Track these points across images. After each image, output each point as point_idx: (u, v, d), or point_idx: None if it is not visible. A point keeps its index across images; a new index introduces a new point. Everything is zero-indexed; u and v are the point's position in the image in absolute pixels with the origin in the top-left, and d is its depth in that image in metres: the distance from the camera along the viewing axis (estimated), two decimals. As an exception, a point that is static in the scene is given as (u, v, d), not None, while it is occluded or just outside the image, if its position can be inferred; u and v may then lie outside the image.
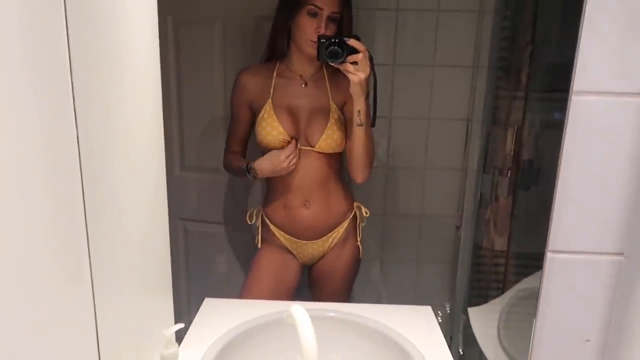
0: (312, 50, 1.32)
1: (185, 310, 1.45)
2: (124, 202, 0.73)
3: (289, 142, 1.39)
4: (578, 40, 0.55)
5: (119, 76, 0.71)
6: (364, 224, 1.55)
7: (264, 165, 1.39)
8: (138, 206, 0.78)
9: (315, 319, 0.80)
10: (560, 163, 0.58)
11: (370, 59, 1.26)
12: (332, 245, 1.50)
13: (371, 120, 1.35)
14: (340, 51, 1.24)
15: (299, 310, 0.78)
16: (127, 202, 0.74)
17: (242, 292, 1.51)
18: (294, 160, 1.39)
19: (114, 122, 0.70)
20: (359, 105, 1.29)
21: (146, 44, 0.81)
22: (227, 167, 1.51)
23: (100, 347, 0.63)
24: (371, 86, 1.32)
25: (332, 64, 1.26)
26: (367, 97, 1.31)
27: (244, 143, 1.48)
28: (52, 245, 0.56)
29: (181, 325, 0.79)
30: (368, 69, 1.25)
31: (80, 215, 0.59)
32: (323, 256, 1.52)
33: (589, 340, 0.62)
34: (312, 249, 1.49)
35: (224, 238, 1.90)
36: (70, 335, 0.60)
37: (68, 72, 0.55)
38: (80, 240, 0.59)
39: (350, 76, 1.24)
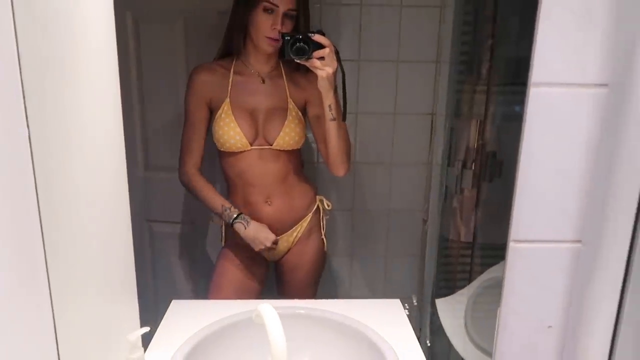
0: (268, 47, 1.32)
1: (153, 312, 1.42)
2: (82, 205, 0.70)
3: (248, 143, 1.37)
4: (535, 32, 0.56)
5: (72, 73, 0.69)
6: (327, 217, 1.55)
7: (256, 230, 1.39)
8: (97, 208, 0.76)
9: (284, 316, 0.80)
10: (520, 154, 0.59)
11: (337, 53, 1.26)
12: (297, 239, 1.50)
13: (342, 114, 1.35)
14: (306, 47, 1.23)
15: (267, 309, 0.78)
16: (86, 205, 0.71)
17: (209, 292, 1.49)
18: (273, 247, 1.41)
19: (70, 122, 0.67)
20: (328, 100, 1.29)
21: (102, 40, 0.79)
22: (191, 188, 1.44)
23: (60, 354, 0.61)
24: (340, 80, 1.32)
25: (298, 61, 1.25)
26: (335, 91, 1.31)
27: (202, 152, 1.42)
28: (3, 250, 0.53)
29: (146, 329, 0.77)
30: (335, 64, 1.25)
31: (35, 218, 0.56)
32: (288, 251, 1.51)
33: (551, 327, 0.64)
34: (278, 245, 1.48)
35: (191, 238, 1.87)
36: (27, 342, 0.58)
37: (17, 71, 0.53)
38: (35, 245, 0.57)
39: (318, 72, 1.23)
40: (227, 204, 1.41)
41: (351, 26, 1.78)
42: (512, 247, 0.62)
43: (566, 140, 0.59)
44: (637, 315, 0.55)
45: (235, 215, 1.39)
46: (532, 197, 0.60)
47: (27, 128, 0.54)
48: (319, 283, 1.59)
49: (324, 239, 1.53)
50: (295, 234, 1.49)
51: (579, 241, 0.60)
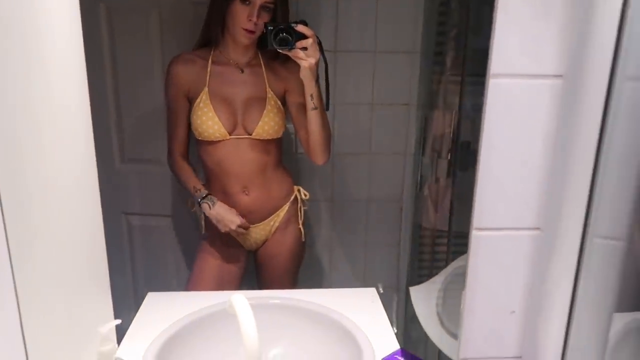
0: (244, 39, 1.32)
1: (133, 306, 1.42)
2: (48, 197, 0.70)
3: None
4: (493, 24, 0.57)
5: (37, 65, 0.68)
6: (305, 207, 1.56)
7: (221, 212, 1.41)
8: (65, 203, 0.75)
9: (258, 306, 0.80)
10: (481, 145, 0.61)
11: (319, 44, 1.27)
12: (274, 229, 1.51)
13: (325, 103, 1.36)
14: (290, 38, 1.23)
15: (239, 300, 0.78)
16: (52, 199, 0.71)
17: (188, 284, 1.50)
18: (241, 231, 1.43)
19: (35, 114, 0.67)
20: (310, 89, 1.30)
21: (67, 29, 0.78)
22: (176, 173, 1.48)
23: (27, 348, 0.61)
24: (322, 70, 1.33)
25: (281, 52, 1.25)
26: (317, 81, 1.31)
27: (186, 139, 1.45)
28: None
29: (118, 322, 0.77)
30: (318, 54, 1.26)
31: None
32: (266, 241, 1.52)
33: (514, 312, 0.66)
34: (255, 232, 1.49)
35: (170, 231, 1.86)
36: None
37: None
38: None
39: (301, 62, 1.24)
40: (199, 186, 1.43)
41: (328, 17, 1.77)
42: (475, 234, 0.63)
43: (525, 130, 0.60)
44: (589, 299, 0.57)
45: (203, 195, 1.41)
46: (493, 186, 0.62)
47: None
48: (298, 273, 1.60)
49: (302, 229, 1.54)
50: (272, 223, 1.50)
51: (538, 228, 0.62)
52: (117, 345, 0.76)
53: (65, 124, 0.77)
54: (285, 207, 1.51)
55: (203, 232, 1.51)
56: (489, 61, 0.58)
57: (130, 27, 1.68)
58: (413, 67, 1.80)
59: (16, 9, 0.62)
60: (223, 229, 1.43)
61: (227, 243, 1.48)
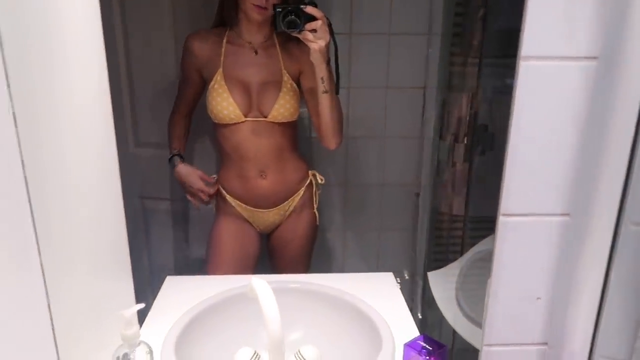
0: (256, 16, 1.31)
1: (149, 289, 1.44)
2: (71, 181, 0.70)
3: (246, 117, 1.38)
4: (525, 5, 0.55)
5: (57, 48, 0.67)
6: (319, 191, 1.56)
7: (182, 172, 1.46)
8: (87, 185, 0.76)
9: (277, 291, 0.80)
10: (510, 129, 0.59)
11: (329, 25, 1.24)
12: (289, 213, 1.51)
13: (335, 86, 1.35)
14: (298, 20, 1.21)
15: (260, 283, 0.78)
16: (75, 182, 0.71)
17: (207, 265, 1.51)
18: (204, 199, 1.46)
19: (56, 98, 0.67)
20: (321, 72, 1.28)
21: (87, 12, 0.77)
22: (168, 129, 1.53)
23: (55, 330, 0.61)
24: (332, 52, 1.31)
25: (291, 34, 1.24)
26: (328, 64, 1.30)
27: (192, 104, 1.49)
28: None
29: (141, 306, 0.77)
30: (328, 36, 1.24)
31: (24, 197, 0.56)
32: (280, 225, 1.53)
33: (540, 298, 0.65)
34: (269, 217, 1.50)
35: (184, 214, 1.87)
36: (22, 319, 0.59)
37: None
38: (25, 223, 0.57)
39: (310, 44, 1.22)
40: (175, 145, 1.49)
41: (343, -1, 1.75)
42: (502, 220, 0.62)
43: (556, 113, 0.58)
44: (622, 287, 0.56)
45: (170, 156, 1.49)
46: (522, 171, 0.61)
47: (11, 106, 0.54)
48: (311, 257, 1.61)
49: (316, 213, 1.54)
50: (287, 207, 1.50)
51: (567, 214, 0.61)
52: (140, 328, 0.76)
53: (87, 109, 0.76)
54: (301, 192, 1.51)
55: (215, 211, 1.53)
56: (520, 43, 0.56)
57: (143, 10, 1.67)
58: (429, 49, 1.77)
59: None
60: (187, 192, 1.47)
61: (240, 224, 1.49)
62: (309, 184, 1.52)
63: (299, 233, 1.53)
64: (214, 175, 1.50)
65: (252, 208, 1.48)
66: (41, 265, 0.57)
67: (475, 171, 1.40)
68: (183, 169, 1.46)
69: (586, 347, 0.60)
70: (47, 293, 0.59)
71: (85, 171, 0.75)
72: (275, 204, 1.48)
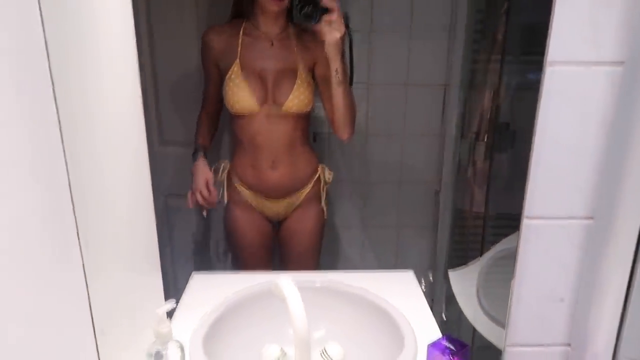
0: (272, 7, 1.33)
1: (172, 285, 1.47)
2: (108, 182, 0.73)
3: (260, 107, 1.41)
4: (552, 10, 0.56)
5: (95, 53, 0.70)
6: (328, 185, 1.58)
7: (197, 167, 1.48)
8: (122, 183, 0.78)
9: (300, 288, 0.82)
10: (535, 132, 0.60)
11: (345, 18, 1.27)
12: (295, 206, 1.54)
13: (349, 78, 1.37)
14: (314, 12, 1.23)
15: (286, 282, 0.80)
16: (111, 180, 0.74)
17: (230, 255, 1.58)
18: (208, 198, 1.45)
19: (93, 100, 0.69)
20: (335, 64, 1.31)
21: (120, 16, 0.79)
22: (196, 126, 1.55)
23: (95, 324, 0.64)
24: (347, 45, 1.33)
25: (307, 25, 1.26)
26: (343, 56, 1.32)
27: (215, 100, 1.50)
28: (39, 225, 0.56)
29: (173, 304, 0.80)
30: (343, 28, 1.26)
31: (67, 199, 0.59)
32: (289, 216, 1.56)
33: (563, 300, 0.66)
34: (277, 207, 1.53)
35: (207, 211, 1.90)
36: (64, 316, 0.61)
37: (45, 54, 0.54)
38: (67, 219, 0.59)
39: (326, 36, 1.25)
40: (200, 142, 1.51)
41: (364, -4, 1.75)
42: (526, 223, 0.63)
43: (581, 117, 0.59)
44: (647, 290, 0.56)
45: (194, 150, 1.51)
46: (546, 174, 0.61)
47: (56, 111, 0.56)
48: (320, 251, 1.63)
49: (324, 208, 1.56)
50: (296, 199, 1.53)
51: (591, 217, 0.61)
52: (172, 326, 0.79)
53: (121, 113, 0.79)
54: (309, 186, 1.53)
55: (225, 200, 1.56)
56: (546, 48, 0.57)
57: (168, 9, 1.70)
58: (449, 46, 1.77)
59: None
60: (193, 185, 1.48)
61: (251, 210, 1.53)
62: (318, 178, 1.54)
63: (307, 226, 1.56)
64: (219, 199, 1.51)
65: (261, 198, 1.51)
66: (82, 264, 0.60)
67: (496, 169, 1.39)
68: (200, 164, 1.48)
69: (610, 349, 0.61)
70: (87, 291, 0.62)
71: (120, 173, 0.78)
72: (284, 195, 1.51)
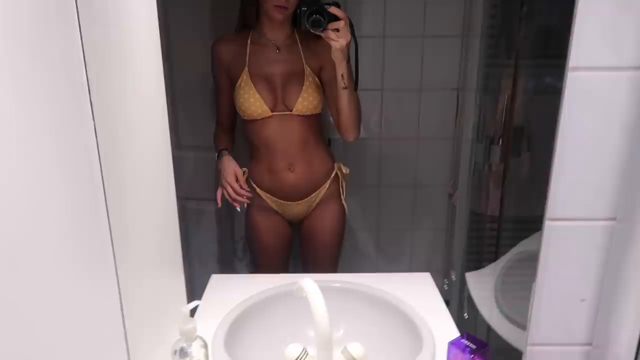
0: (278, 15, 1.37)
1: (188, 287, 1.50)
2: (140, 185, 0.75)
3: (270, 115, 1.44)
4: (573, 17, 0.57)
5: (128, 61, 0.72)
6: (345, 182, 1.59)
7: (224, 162, 1.50)
8: (152, 188, 0.81)
9: (320, 289, 0.83)
10: (557, 136, 0.61)
11: (351, 26, 1.30)
12: (315, 205, 1.56)
13: (354, 83, 1.41)
14: (322, 19, 1.27)
15: (309, 283, 0.82)
16: (143, 185, 0.76)
17: (251, 256, 1.62)
18: (236, 197, 1.48)
19: (128, 108, 0.72)
20: (341, 69, 1.35)
21: (146, 30, 0.82)
22: (214, 143, 1.58)
23: (125, 322, 0.66)
24: (352, 51, 1.36)
25: (314, 32, 1.29)
26: (348, 61, 1.36)
27: (230, 112, 1.53)
28: (77, 228, 0.58)
29: (198, 302, 0.82)
30: (349, 36, 1.29)
31: (101, 199, 0.61)
32: (309, 215, 1.58)
33: (584, 300, 0.67)
34: (297, 208, 1.56)
35: (223, 215, 1.93)
36: (98, 309, 0.63)
37: (83, 67, 0.57)
38: (101, 223, 0.62)
39: (332, 43, 1.29)
40: (221, 146, 1.53)
41: (375, 2, 1.77)
42: (548, 225, 0.64)
43: (603, 122, 0.60)
44: (670, 290, 0.57)
45: (218, 150, 1.53)
46: (568, 177, 0.62)
47: (92, 120, 0.59)
48: (340, 250, 1.65)
49: (344, 204, 1.58)
50: (315, 199, 1.55)
51: (613, 219, 0.63)
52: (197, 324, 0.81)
53: (148, 118, 0.81)
54: (327, 185, 1.55)
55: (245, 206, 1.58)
56: (568, 54, 0.58)
57: (184, 14, 1.73)
58: (462, 51, 1.78)
59: (110, 9, 0.66)
60: (222, 181, 1.50)
61: (271, 214, 1.55)
62: (335, 176, 1.57)
63: (327, 224, 1.58)
64: (248, 191, 1.52)
65: (281, 200, 1.53)
66: (115, 268, 0.62)
67: (511, 172, 1.40)
68: (226, 160, 1.50)
69: (632, 349, 0.61)
70: (119, 293, 0.64)
71: (150, 178, 0.80)
72: (303, 196, 1.54)
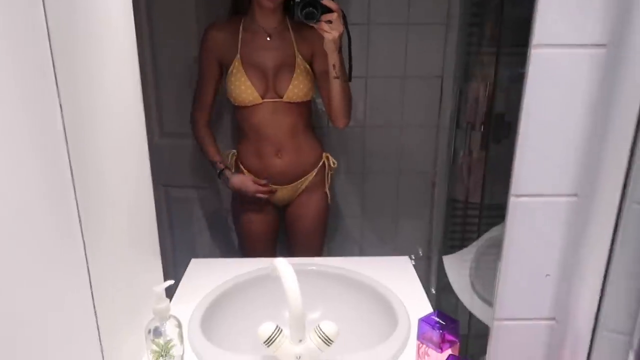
0: (267, 3, 1.38)
1: (172, 272, 1.50)
2: (108, 167, 0.75)
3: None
4: (536, -6, 0.58)
5: (97, 44, 0.72)
6: (332, 172, 1.61)
7: (236, 184, 1.52)
8: (123, 170, 0.81)
9: (298, 272, 0.84)
10: (521, 113, 0.62)
11: (344, 17, 1.31)
12: (300, 191, 1.58)
13: (347, 74, 1.43)
14: (315, 11, 1.28)
15: (283, 263, 0.83)
16: (112, 167, 0.76)
17: (239, 242, 1.64)
18: (262, 196, 1.51)
19: (95, 88, 0.72)
20: (333, 59, 1.36)
21: (120, 13, 0.82)
22: (199, 141, 1.58)
23: (95, 299, 0.67)
24: (345, 42, 1.37)
25: (308, 24, 1.30)
26: (340, 51, 1.37)
27: (210, 108, 1.54)
28: (43, 206, 0.58)
29: (171, 282, 0.83)
30: (342, 27, 1.30)
31: (68, 178, 0.61)
32: (293, 201, 1.60)
33: (549, 275, 0.68)
34: (283, 193, 1.58)
35: (206, 201, 1.93)
36: (67, 289, 0.64)
37: (47, 43, 0.57)
38: (69, 202, 0.62)
39: (325, 34, 1.30)
40: (218, 159, 1.54)
41: (360, -11, 1.77)
42: (513, 201, 0.65)
43: (565, 99, 0.61)
44: (625, 263, 0.59)
45: (219, 171, 1.54)
46: (532, 154, 0.63)
47: (58, 97, 0.59)
48: (324, 237, 1.68)
49: (328, 193, 1.60)
50: (299, 186, 1.58)
51: (575, 195, 0.64)
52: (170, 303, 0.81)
53: (121, 101, 0.81)
54: (314, 172, 1.57)
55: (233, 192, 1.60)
56: (531, 32, 0.59)
57: (168, 1, 1.72)
58: (446, 38, 1.79)
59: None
60: (250, 195, 1.52)
61: (256, 200, 1.56)
62: (322, 165, 1.59)
63: (311, 211, 1.60)
64: (265, 180, 1.54)
65: None
66: (84, 246, 0.63)
67: (491, 159, 1.42)
68: (236, 180, 1.53)
69: (591, 322, 0.63)
70: (88, 271, 0.64)
71: (120, 160, 0.80)
72: (289, 181, 1.56)
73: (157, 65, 1.77)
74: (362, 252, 2.06)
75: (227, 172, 1.53)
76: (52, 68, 0.58)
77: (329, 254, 1.91)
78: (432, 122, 1.88)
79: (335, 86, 1.41)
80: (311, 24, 1.29)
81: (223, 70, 1.49)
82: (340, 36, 1.31)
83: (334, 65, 1.37)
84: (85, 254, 0.64)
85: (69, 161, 0.61)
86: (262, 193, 1.52)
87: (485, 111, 1.46)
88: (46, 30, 0.56)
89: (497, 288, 0.69)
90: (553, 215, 0.65)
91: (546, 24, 0.59)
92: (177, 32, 1.74)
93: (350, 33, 1.37)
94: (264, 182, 1.52)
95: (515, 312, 0.70)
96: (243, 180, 1.52)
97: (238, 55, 1.43)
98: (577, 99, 0.61)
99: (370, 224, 2.04)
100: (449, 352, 0.75)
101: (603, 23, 0.58)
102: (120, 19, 0.82)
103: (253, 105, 1.45)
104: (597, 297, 0.62)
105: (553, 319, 0.69)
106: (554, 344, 0.69)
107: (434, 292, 1.05)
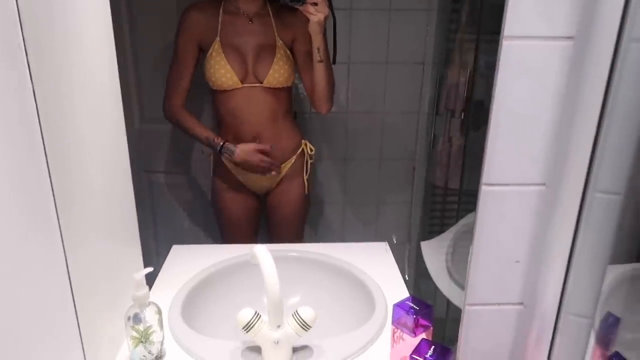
0: None
1: (155, 259, 1.50)
2: (85, 153, 0.75)
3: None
4: (507, -13, 0.59)
5: (71, 28, 0.71)
6: (312, 160, 1.61)
7: (240, 153, 1.45)
8: (99, 157, 0.81)
9: (277, 259, 0.85)
10: (493, 104, 0.63)
11: (329, 0, 1.31)
12: (279, 179, 1.58)
13: (331, 58, 1.42)
14: None
15: (262, 250, 0.84)
16: (89, 153, 0.76)
17: (218, 227, 1.62)
18: (266, 165, 1.47)
19: (70, 76, 0.71)
20: (317, 42, 1.36)
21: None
22: (180, 124, 1.50)
23: (73, 287, 0.67)
24: (330, 25, 1.37)
25: (293, 6, 1.30)
26: (324, 35, 1.36)
27: (187, 91, 1.48)
28: (18, 195, 0.58)
29: (150, 269, 0.83)
30: (327, 10, 1.30)
31: (43, 165, 0.61)
32: (273, 189, 1.60)
33: (518, 261, 0.70)
34: (261, 180, 1.56)
35: (188, 187, 1.93)
36: (43, 277, 0.64)
37: (18, 27, 0.56)
38: (45, 189, 0.62)
39: (311, 17, 1.29)
40: (212, 135, 1.47)
41: (343, -26, 1.76)
42: (484, 190, 0.67)
43: (535, 90, 0.63)
44: (587, 251, 0.61)
45: (219, 147, 1.47)
46: (503, 143, 0.65)
47: (30, 83, 0.58)
48: (304, 225, 1.68)
49: (306, 182, 1.60)
50: (279, 172, 1.56)
51: (543, 184, 0.65)
52: (149, 290, 0.82)
53: (97, 87, 0.81)
54: (292, 160, 1.57)
55: (212, 173, 1.59)
56: (503, 24, 0.60)
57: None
58: (428, 25, 1.79)
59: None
60: (255, 170, 1.49)
61: (237, 184, 1.56)
62: (301, 152, 1.58)
63: (290, 198, 1.60)
64: (270, 145, 1.50)
65: (245, 171, 1.54)
66: (60, 232, 0.63)
67: (470, 146, 1.44)
68: (241, 151, 1.46)
69: (555, 306, 0.65)
70: (64, 252, 0.64)
71: (98, 144, 0.80)
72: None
73: (137, 51, 1.75)
74: (343, 238, 2.08)
75: (228, 145, 1.46)
76: (24, 53, 0.57)
77: (311, 240, 1.92)
78: (414, 108, 1.89)
79: (319, 70, 1.41)
80: (297, 6, 1.29)
81: (200, 53, 1.45)
82: (326, 18, 1.31)
83: (318, 49, 1.36)
84: (63, 243, 0.65)
85: (44, 149, 0.61)
86: (265, 164, 1.47)
87: (465, 98, 1.47)
88: (17, 11, 0.56)
89: (469, 274, 0.71)
90: (523, 204, 0.67)
91: (517, 16, 0.60)
92: (157, 15, 1.72)
93: (336, 20, 1.36)
94: (268, 147, 1.47)
95: (486, 297, 0.72)
96: (246, 151, 1.46)
97: (218, 38, 1.41)
98: (546, 90, 0.63)
99: (352, 210, 2.05)
100: (422, 336, 0.77)
101: (571, 15, 0.60)
102: (96, 1, 0.81)
103: (232, 89, 1.43)
104: (562, 283, 0.64)
105: (521, 303, 0.72)
106: (522, 328, 0.72)
107: (407, 278, 1.07)
